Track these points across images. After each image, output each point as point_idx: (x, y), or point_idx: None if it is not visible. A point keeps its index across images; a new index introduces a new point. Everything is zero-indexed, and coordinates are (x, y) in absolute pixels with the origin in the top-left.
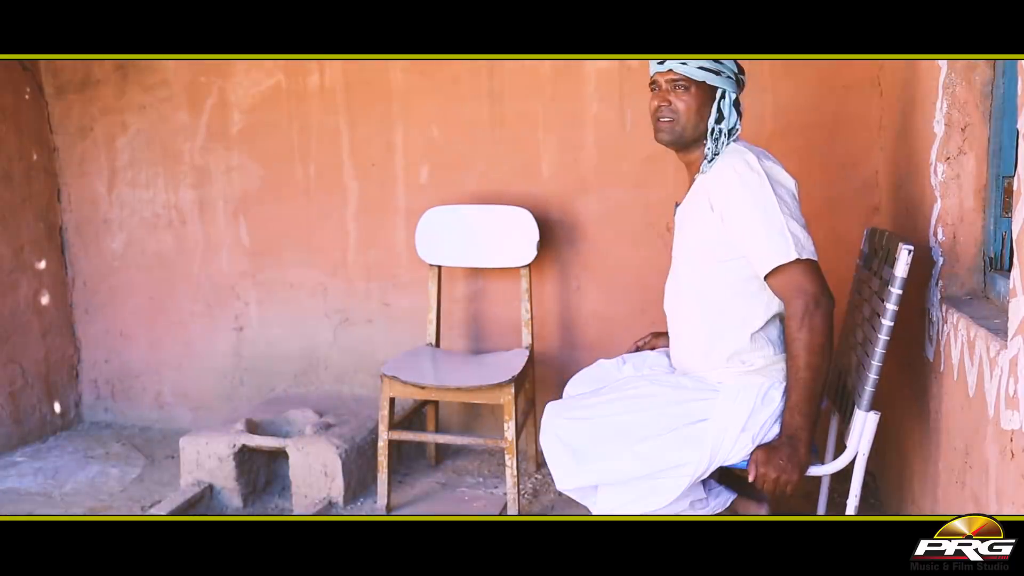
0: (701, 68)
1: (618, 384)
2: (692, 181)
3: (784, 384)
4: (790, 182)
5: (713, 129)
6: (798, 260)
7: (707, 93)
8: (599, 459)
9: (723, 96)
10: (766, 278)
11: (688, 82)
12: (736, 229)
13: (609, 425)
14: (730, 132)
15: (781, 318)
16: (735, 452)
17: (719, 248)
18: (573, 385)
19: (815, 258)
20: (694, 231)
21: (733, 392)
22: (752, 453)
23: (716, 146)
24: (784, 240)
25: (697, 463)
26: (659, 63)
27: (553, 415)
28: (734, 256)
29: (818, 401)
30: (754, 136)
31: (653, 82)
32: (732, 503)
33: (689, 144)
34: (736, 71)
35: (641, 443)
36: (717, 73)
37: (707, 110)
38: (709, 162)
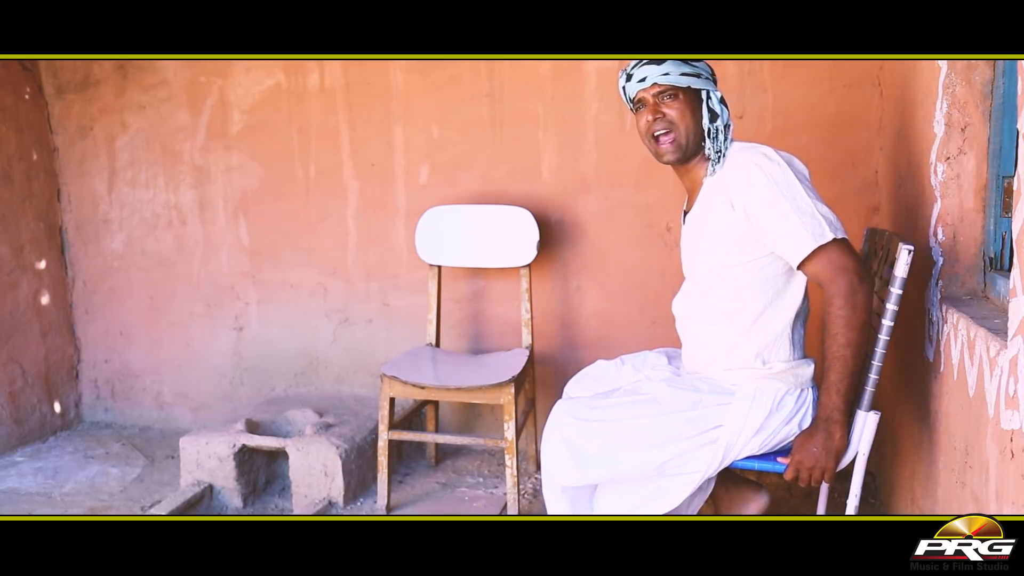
0: (684, 74)
1: (632, 386)
2: (693, 190)
3: (799, 390)
4: (805, 170)
5: (709, 129)
6: (835, 240)
7: (694, 98)
8: (607, 464)
9: (708, 97)
10: (802, 265)
11: (675, 90)
12: (765, 222)
13: (621, 430)
14: (726, 128)
15: (803, 319)
16: (744, 452)
17: (745, 246)
18: (573, 385)
19: (848, 238)
20: (713, 234)
21: (750, 395)
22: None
23: (717, 144)
24: (817, 223)
25: (708, 466)
26: (639, 80)
27: (561, 414)
28: (758, 255)
29: (855, 381)
30: (754, 136)
31: (639, 101)
32: (730, 493)
33: (690, 155)
34: (710, 69)
35: (653, 449)
36: (697, 76)
37: (698, 114)
38: (716, 162)
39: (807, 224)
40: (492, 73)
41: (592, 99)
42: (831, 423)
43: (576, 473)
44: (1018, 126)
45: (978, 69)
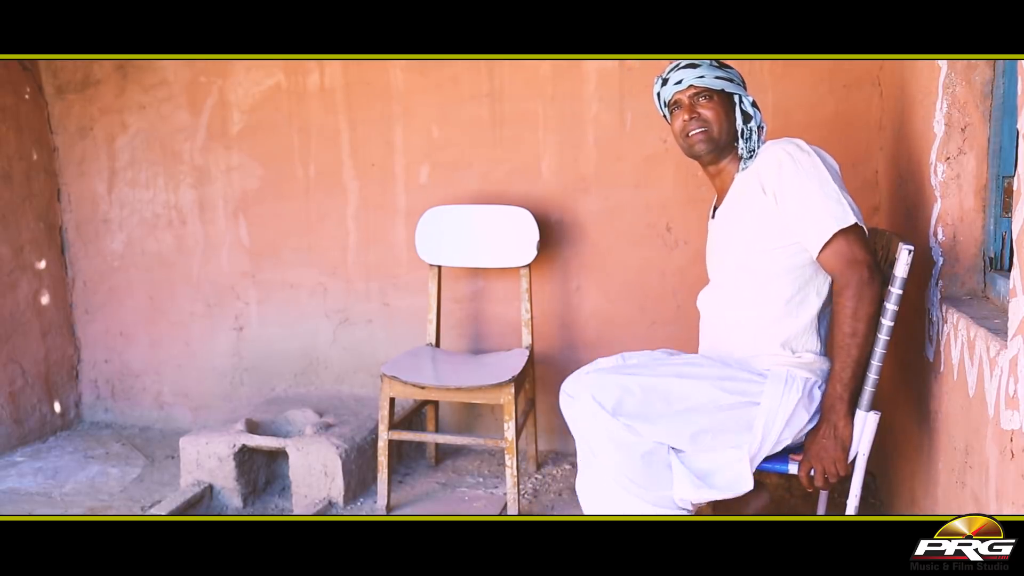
0: (718, 78)
1: (665, 358)
2: (723, 189)
3: (825, 385)
4: (836, 165)
5: (743, 130)
6: (854, 229)
7: (726, 100)
8: (641, 418)
9: (740, 100)
10: (822, 251)
11: (709, 92)
12: (791, 204)
13: (659, 386)
14: (760, 129)
15: (828, 316)
16: (778, 443)
17: (773, 232)
18: (571, 383)
19: (867, 232)
20: (744, 220)
21: (781, 379)
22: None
23: (750, 144)
24: (842, 207)
25: (749, 447)
26: (675, 83)
27: (585, 374)
28: (786, 242)
29: (859, 372)
30: None
31: (674, 103)
32: None
33: (723, 152)
34: (740, 76)
35: (686, 412)
36: (730, 80)
37: (732, 115)
38: (748, 158)
39: (831, 208)
40: (492, 73)
41: (592, 99)
42: (833, 412)
43: (608, 415)
44: (1018, 126)
45: (978, 69)
